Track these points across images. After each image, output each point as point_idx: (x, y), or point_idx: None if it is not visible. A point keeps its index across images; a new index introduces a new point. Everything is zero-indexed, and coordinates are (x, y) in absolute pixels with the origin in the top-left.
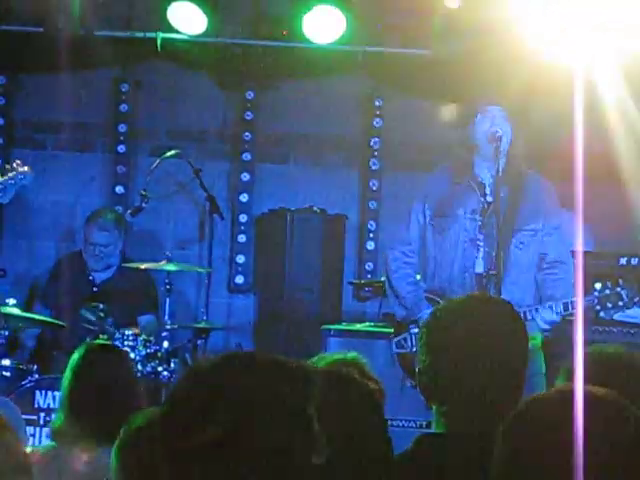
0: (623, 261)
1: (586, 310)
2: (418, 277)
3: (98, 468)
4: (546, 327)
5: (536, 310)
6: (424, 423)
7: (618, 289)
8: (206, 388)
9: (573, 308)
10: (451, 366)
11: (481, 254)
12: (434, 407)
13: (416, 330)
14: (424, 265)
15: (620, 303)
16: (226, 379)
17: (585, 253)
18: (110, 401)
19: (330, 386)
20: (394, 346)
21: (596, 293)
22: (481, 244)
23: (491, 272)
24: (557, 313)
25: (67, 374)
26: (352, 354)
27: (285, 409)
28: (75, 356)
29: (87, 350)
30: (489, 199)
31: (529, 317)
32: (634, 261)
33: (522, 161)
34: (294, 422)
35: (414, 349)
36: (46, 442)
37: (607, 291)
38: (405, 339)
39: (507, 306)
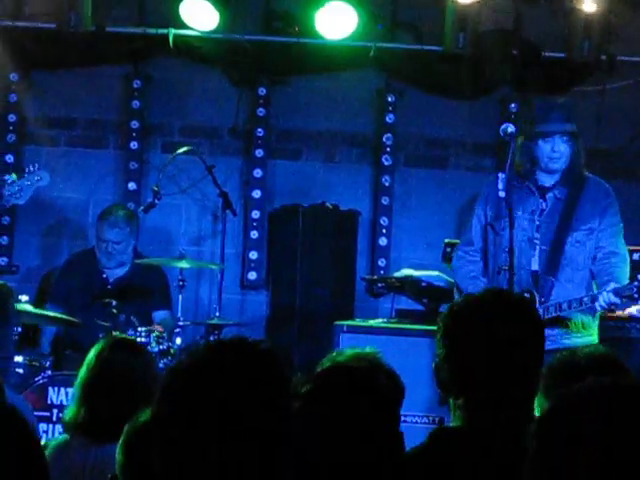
0: (636, 257)
1: (627, 298)
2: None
3: (110, 462)
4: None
5: (595, 297)
6: (437, 419)
7: None
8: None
9: (616, 295)
10: (467, 359)
11: (537, 252)
12: (451, 401)
13: None
14: (487, 265)
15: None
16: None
17: None
18: (126, 395)
19: (337, 382)
20: None
21: (636, 282)
22: (537, 242)
23: (504, 268)
24: (616, 295)
25: (84, 366)
26: (370, 349)
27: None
28: (94, 349)
29: (106, 343)
30: (545, 203)
31: (587, 303)
32: None
33: (582, 167)
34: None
35: None
36: (58, 436)
37: None
38: None
39: (524, 301)
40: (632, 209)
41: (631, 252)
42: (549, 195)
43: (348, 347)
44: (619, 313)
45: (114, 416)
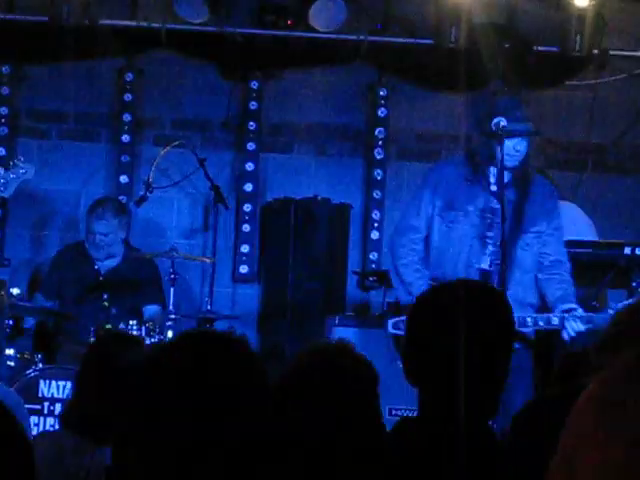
0: (627, 250)
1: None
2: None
3: (102, 456)
4: (573, 336)
5: (566, 319)
6: None
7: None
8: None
9: (589, 322)
10: (422, 350)
11: (488, 251)
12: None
13: None
14: (428, 254)
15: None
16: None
17: (591, 243)
18: (122, 389)
19: (314, 373)
20: (390, 327)
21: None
22: (490, 242)
23: (491, 269)
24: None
25: (82, 361)
26: (338, 339)
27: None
28: (93, 343)
29: (99, 337)
30: (497, 202)
31: (556, 326)
32: (638, 251)
33: (530, 167)
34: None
35: None
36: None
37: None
38: (404, 322)
39: (494, 292)
40: (623, 203)
41: (622, 246)
42: (498, 197)
43: (317, 341)
44: None
45: (110, 409)
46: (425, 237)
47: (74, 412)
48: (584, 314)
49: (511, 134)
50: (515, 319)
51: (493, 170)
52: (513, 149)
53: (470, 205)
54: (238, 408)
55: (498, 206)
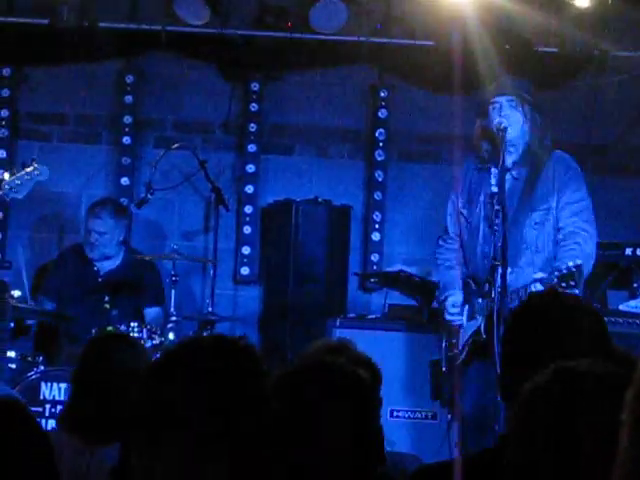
0: (628, 251)
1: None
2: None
3: (102, 457)
4: None
5: (534, 286)
6: (430, 414)
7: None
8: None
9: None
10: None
11: (495, 238)
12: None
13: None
14: (463, 251)
15: (572, 283)
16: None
17: None
18: (119, 391)
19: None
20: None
21: (556, 273)
22: (497, 228)
23: (496, 263)
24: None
25: (79, 362)
26: (337, 339)
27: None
28: (88, 344)
29: (97, 338)
30: (495, 188)
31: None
32: (639, 251)
33: (540, 144)
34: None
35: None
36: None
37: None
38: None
39: (588, 307)
40: (624, 204)
41: (623, 247)
42: (507, 177)
43: (316, 341)
44: None
45: (109, 410)
46: (458, 235)
47: (70, 414)
48: (542, 275)
49: (489, 104)
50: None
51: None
52: (499, 115)
53: (480, 194)
54: (243, 412)
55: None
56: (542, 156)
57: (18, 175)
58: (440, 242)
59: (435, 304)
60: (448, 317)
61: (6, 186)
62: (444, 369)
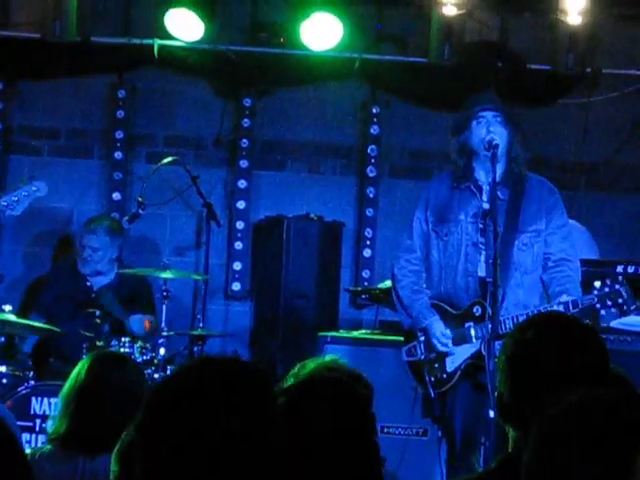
0: (620, 269)
1: (587, 309)
2: (424, 285)
3: (95, 474)
4: None
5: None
6: (420, 431)
7: (617, 286)
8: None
9: (574, 307)
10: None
11: (483, 258)
12: (509, 429)
13: (423, 338)
14: (430, 272)
15: (620, 300)
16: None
17: (583, 261)
18: (117, 409)
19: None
20: (404, 354)
21: (595, 292)
22: (483, 248)
23: (488, 279)
24: (574, 308)
25: (71, 379)
26: (330, 357)
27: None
28: (82, 363)
29: (94, 358)
30: (487, 204)
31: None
32: (630, 269)
33: (522, 163)
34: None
35: (422, 357)
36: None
37: (606, 289)
38: (415, 347)
39: (592, 331)
40: (617, 222)
41: (615, 264)
42: (487, 198)
43: (309, 360)
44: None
45: (105, 429)
46: (425, 256)
47: (66, 432)
48: (568, 299)
49: (473, 117)
50: (508, 320)
51: (477, 170)
52: (487, 131)
53: (461, 213)
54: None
55: (488, 209)
56: (523, 177)
57: (15, 192)
58: (402, 262)
59: (406, 326)
60: (442, 348)
61: (3, 203)
62: (432, 395)
